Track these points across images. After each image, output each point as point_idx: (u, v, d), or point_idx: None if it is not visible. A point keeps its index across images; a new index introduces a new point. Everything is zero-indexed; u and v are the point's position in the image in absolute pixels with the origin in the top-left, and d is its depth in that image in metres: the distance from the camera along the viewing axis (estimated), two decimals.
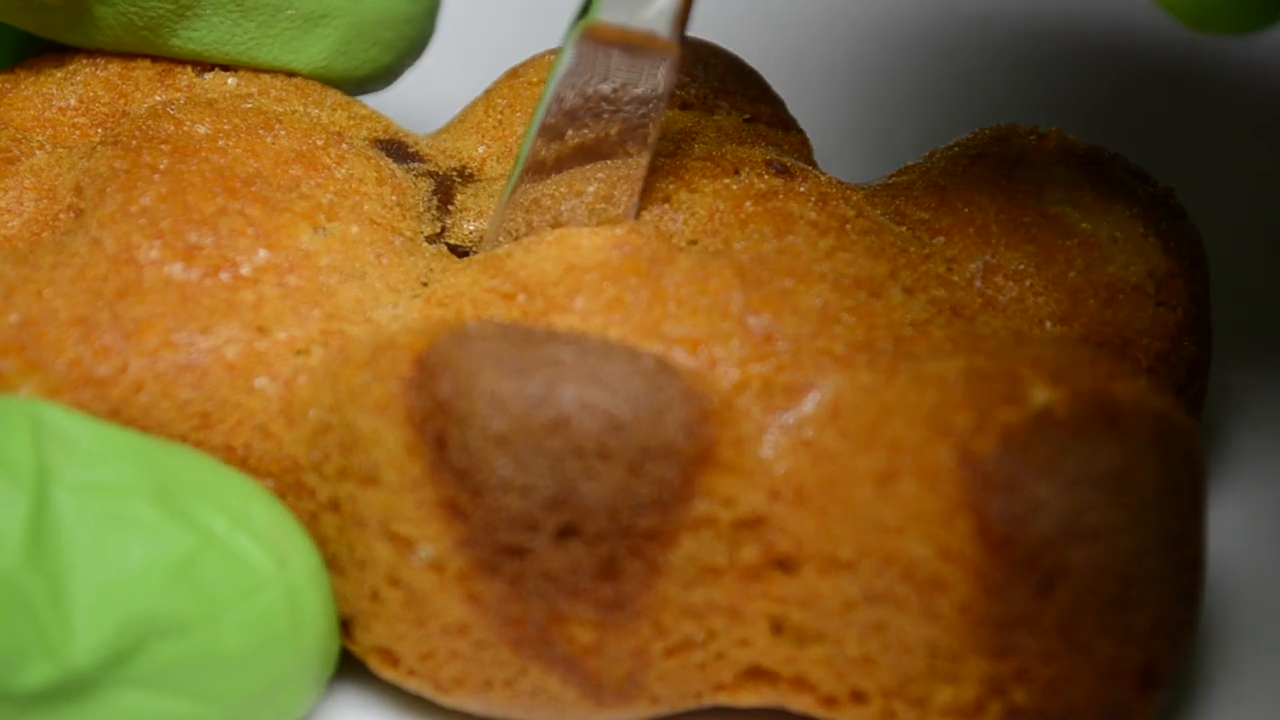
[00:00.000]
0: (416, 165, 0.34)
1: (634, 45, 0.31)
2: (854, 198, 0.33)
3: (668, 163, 0.33)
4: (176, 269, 0.31)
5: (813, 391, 0.30)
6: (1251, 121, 0.42)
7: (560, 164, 0.32)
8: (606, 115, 0.31)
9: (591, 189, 0.32)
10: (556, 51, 0.35)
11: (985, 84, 0.43)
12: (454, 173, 0.34)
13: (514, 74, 0.36)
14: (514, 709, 0.30)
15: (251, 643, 0.28)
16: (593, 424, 0.28)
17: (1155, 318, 0.32)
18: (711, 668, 0.30)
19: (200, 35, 0.34)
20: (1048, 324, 0.32)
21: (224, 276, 0.31)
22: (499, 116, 0.35)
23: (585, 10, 0.31)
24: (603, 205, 0.32)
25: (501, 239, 0.32)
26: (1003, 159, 0.34)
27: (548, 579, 0.29)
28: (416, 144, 0.35)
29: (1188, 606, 0.29)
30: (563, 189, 0.32)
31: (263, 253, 0.31)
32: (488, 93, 0.36)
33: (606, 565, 0.29)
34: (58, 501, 0.27)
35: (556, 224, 0.32)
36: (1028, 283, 0.32)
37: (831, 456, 0.29)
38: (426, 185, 0.34)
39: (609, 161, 0.32)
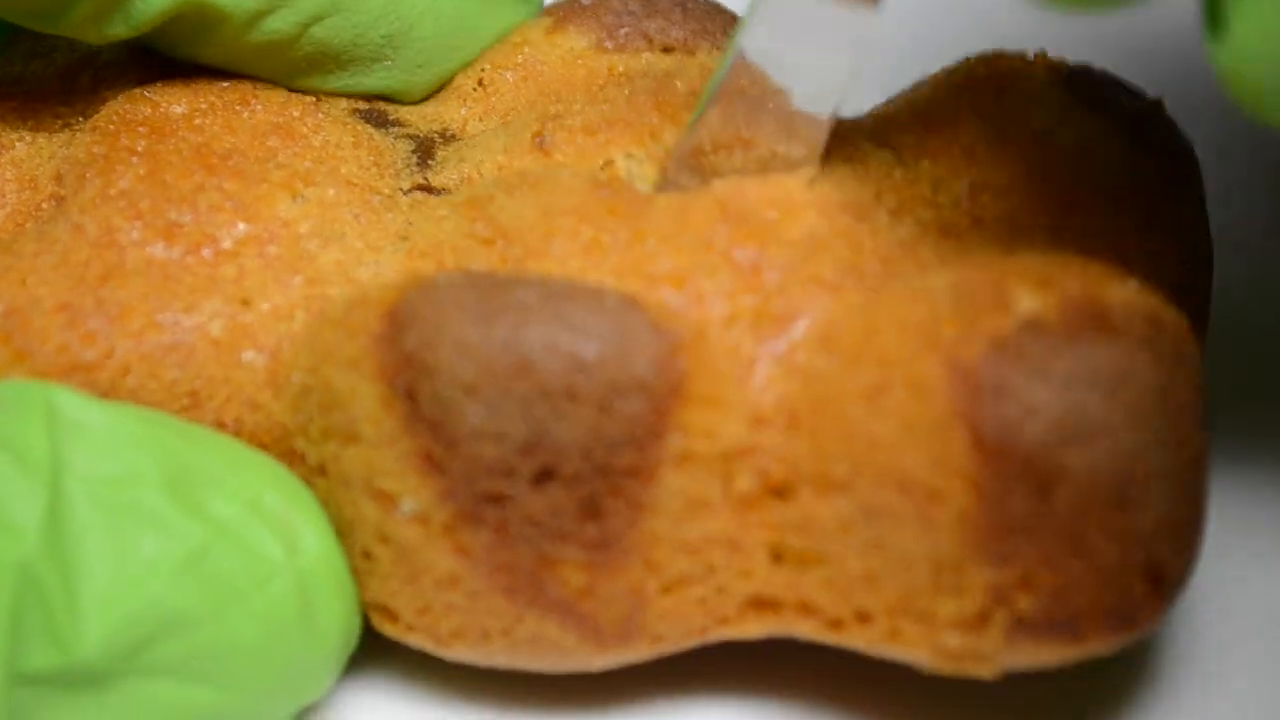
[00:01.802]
0: (396, 129, 0.32)
1: None
2: (840, 126, 0.31)
3: (651, 100, 0.31)
4: (158, 249, 0.29)
5: (801, 318, 0.28)
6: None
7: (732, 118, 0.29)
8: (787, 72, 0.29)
9: (767, 141, 0.29)
10: (553, 11, 0.34)
11: (974, 20, 0.41)
12: (435, 134, 0.32)
13: (500, 45, 0.33)
14: (515, 658, 0.28)
15: (264, 632, 0.27)
16: (558, 365, 0.26)
17: (1145, 222, 0.30)
18: (713, 602, 0.28)
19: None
20: (1038, 237, 0.31)
21: (205, 252, 0.29)
22: (479, 76, 0.33)
23: None
24: (777, 157, 0.30)
25: (681, 175, 0.30)
26: (988, 82, 0.31)
27: (531, 524, 0.27)
28: (397, 112, 0.33)
29: (1192, 506, 0.26)
30: (734, 139, 0.30)
31: (242, 225, 0.29)
32: (475, 62, 0.33)
33: (588, 505, 0.27)
34: (71, 492, 0.26)
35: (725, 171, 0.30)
36: (1015, 199, 0.30)
37: (822, 378, 0.27)
38: (406, 145, 0.32)
39: (788, 113, 0.29)
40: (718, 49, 0.33)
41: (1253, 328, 0.35)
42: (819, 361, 0.27)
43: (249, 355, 0.29)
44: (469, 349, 0.27)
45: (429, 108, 0.33)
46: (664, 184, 0.30)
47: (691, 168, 0.30)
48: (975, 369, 0.26)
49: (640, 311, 0.27)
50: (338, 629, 0.28)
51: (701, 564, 0.28)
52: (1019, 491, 0.26)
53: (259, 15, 0.31)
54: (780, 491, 0.27)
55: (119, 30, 0.31)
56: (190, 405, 0.29)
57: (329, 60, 0.32)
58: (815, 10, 0.28)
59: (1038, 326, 0.26)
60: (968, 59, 0.33)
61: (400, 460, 0.27)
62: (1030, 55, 0.32)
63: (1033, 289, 0.27)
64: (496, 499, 0.27)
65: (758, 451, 0.27)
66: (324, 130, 0.31)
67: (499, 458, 0.27)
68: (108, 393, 0.29)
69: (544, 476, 0.27)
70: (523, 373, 0.26)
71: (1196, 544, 0.27)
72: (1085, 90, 0.31)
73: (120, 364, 0.29)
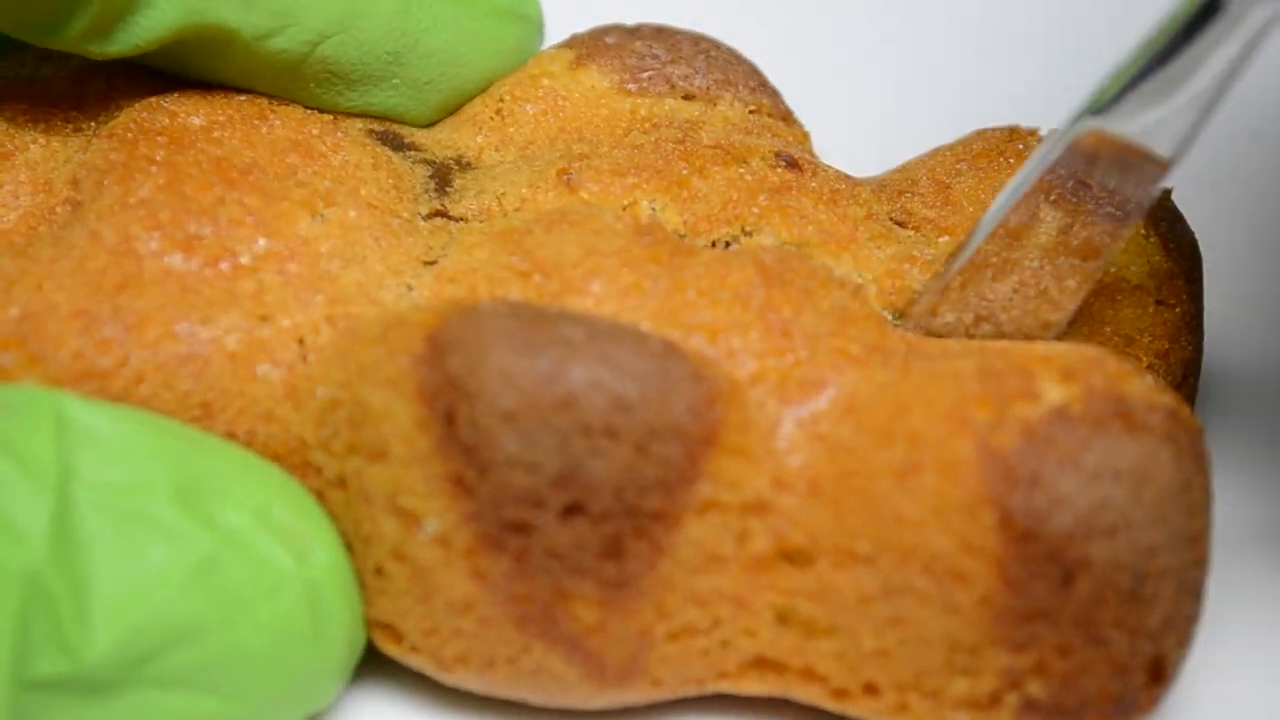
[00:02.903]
0: (413, 154, 0.32)
1: (1128, 158, 0.28)
2: (862, 195, 0.31)
3: (678, 149, 0.31)
4: (176, 260, 0.28)
5: (828, 388, 0.27)
6: (1246, 126, 0.41)
7: (1007, 259, 0.29)
8: (1098, 214, 0.28)
9: (1035, 287, 0.29)
10: (574, 46, 0.33)
11: (982, 79, 0.41)
12: (451, 161, 0.32)
13: (519, 75, 0.33)
14: (516, 688, 0.27)
15: (272, 642, 0.26)
16: (601, 402, 0.26)
17: (1156, 317, 0.30)
18: (716, 655, 0.27)
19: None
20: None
21: (224, 266, 0.28)
22: (497, 107, 0.33)
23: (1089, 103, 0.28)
24: (1044, 307, 0.29)
25: (923, 316, 0.29)
26: (1005, 158, 0.31)
27: (553, 556, 0.26)
28: (412, 135, 0.32)
29: (1195, 602, 0.26)
30: (1003, 284, 0.29)
31: (262, 241, 0.29)
32: (494, 90, 0.33)
33: (611, 544, 0.26)
34: (79, 500, 0.26)
35: (988, 318, 0.29)
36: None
37: (848, 450, 0.27)
38: (424, 171, 0.31)
39: (1060, 261, 0.29)
40: (740, 101, 0.33)
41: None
42: (845, 434, 0.27)
43: (264, 369, 0.28)
44: (512, 378, 0.26)
45: (444, 133, 0.33)
46: (920, 317, 0.29)
47: (960, 303, 0.29)
48: (1008, 455, 0.26)
49: (682, 358, 0.27)
50: (344, 639, 0.27)
51: (709, 616, 0.27)
52: (1042, 579, 0.26)
53: (266, 35, 0.30)
54: (793, 558, 0.27)
55: (122, 48, 0.30)
56: (203, 416, 0.28)
57: (337, 79, 0.31)
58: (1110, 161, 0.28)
59: (1065, 417, 0.26)
60: (983, 132, 0.33)
61: (429, 481, 0.27)
62: (1044, 132, 0.32)
63: (1058, 379, 0.27)
64: (521, 528, 0.27)
65: (776, 513, 0.27)
66: (343, 150, 0.31)
67: (529, 487, 0.26)
68: (120, 401, 0.28)
69: (572, 511, 0.26)
70: (564, 407, 0.26)
71: (1194, 635, 0.27)
72: None
73: (134, 372, 0.28)
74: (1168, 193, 0.32)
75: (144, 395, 0.28)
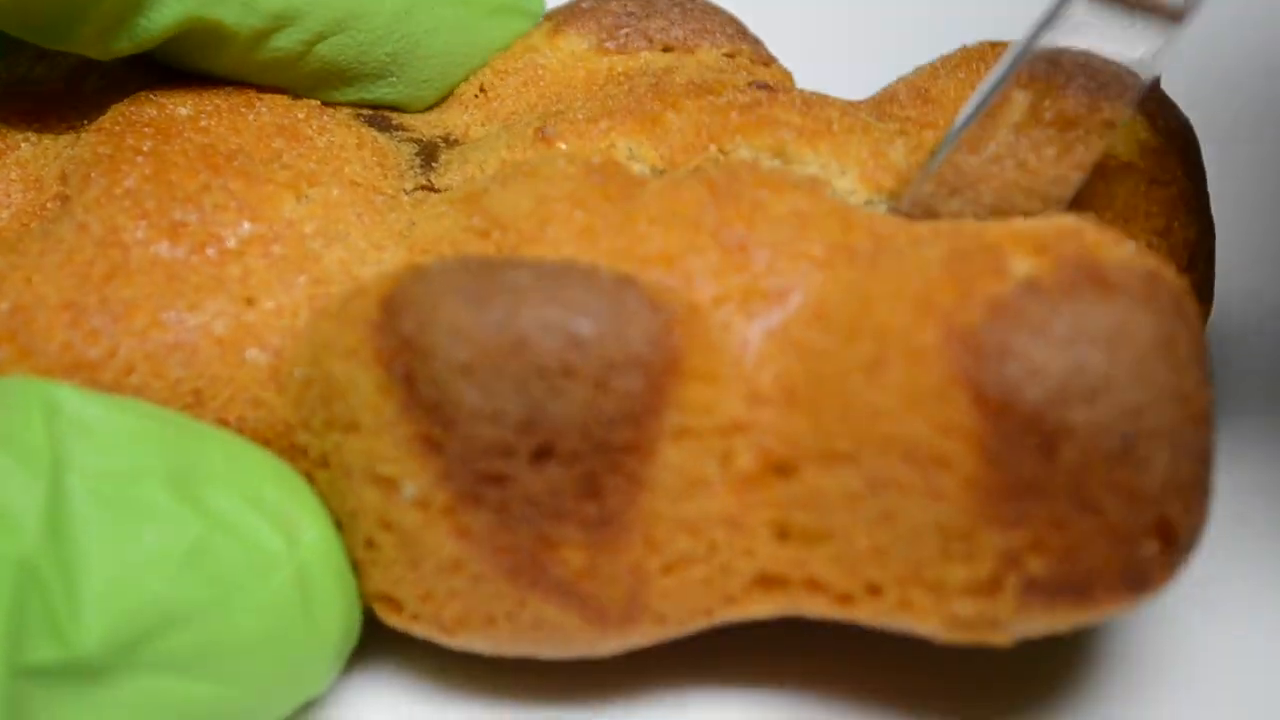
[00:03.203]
0: (400, 133, 0.32)
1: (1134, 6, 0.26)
2: (838, 103, 0.30)
3: (651, 90, 0.30)
4: (163, 248, 0.28)
5: (793, 294, 0.27)
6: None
7: (981, 137, 0.28)
8: (1070, 87, 0.27)
9: (1037, 166, 0.28)
10: (552, 16, 0.33)
11: (973, 33, 0.41)
12: (439, 139, 0.32)
13: (501, 53, 0.33)
14: (520, 644, 0.27)
15: (265, 625, 0.26)
16: (553, 343, 0.25)
17: (1150, 194, 0.29)
18: (718, 581, 0.27)
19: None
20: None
21: (210, 252, 0.28)
22: (480, 84, 0.33)
23: None
24: (1049, 186, 0.28)
25: (915, 205, 0.28)
26: (985, 63, 0.31)
27: (531, 503, 0.26)
28: (400, 118, 0.32)
29: (1199, 463, 0.25)
30: (1002, 164, 0.28)
31: (247, 225, 0.29)
32: (476, 71, 0.33)
33: (586, 483, 0.26)
34: (71, 487, 0.26)
35: (990, 203, 0.28)
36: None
37: (819, 353, 0.26)
38: (410, 149, 0.31)
39: (1035, 133, 0.28)
40: (717, 48, 0.32)
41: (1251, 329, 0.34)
42: (814, 337, 0.26)
43: (252, 353, 0.28)
44: (463, 330, 0.26)
45: (431, 115, 0.33)
46: (908, 204, 0.28)
47: (950, 187, 0.28)
48: (974, 332, 0.25)
49: (635, 289, 0.26)
50: (338, 622, 0.27)
51: (703, 543, 0.27)
52: (1024, 451, 0.25)
53: (265, 34, 0.30)
54: (781, 469, 0.26)
55: (124, 46, 0.30)
56: (194, 404, 0.28)
57: (334, 76, 0.31)
58: (1116, 24, 0.27)
59: (1034, 288, 0.25)
60: (964, 46, 0.32)
61: (399, 445, 0.26)
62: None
63: (1027, 253, 0.26)
64: (496, 479, 0.26)
65: (756, 429, 0.26)
66: (329, 132, 0.31)
67: (497, 438, 0.26)
68: (111, 391, 0.28)
69: (542, 455, 0.26)
70: (518, 352, 0.26)
71: (1206, 501, 0.26)
72: None
73: (124, 362, 0.28)
74: (1156, 81, 0.31)
75: (135, 385, 0.28)
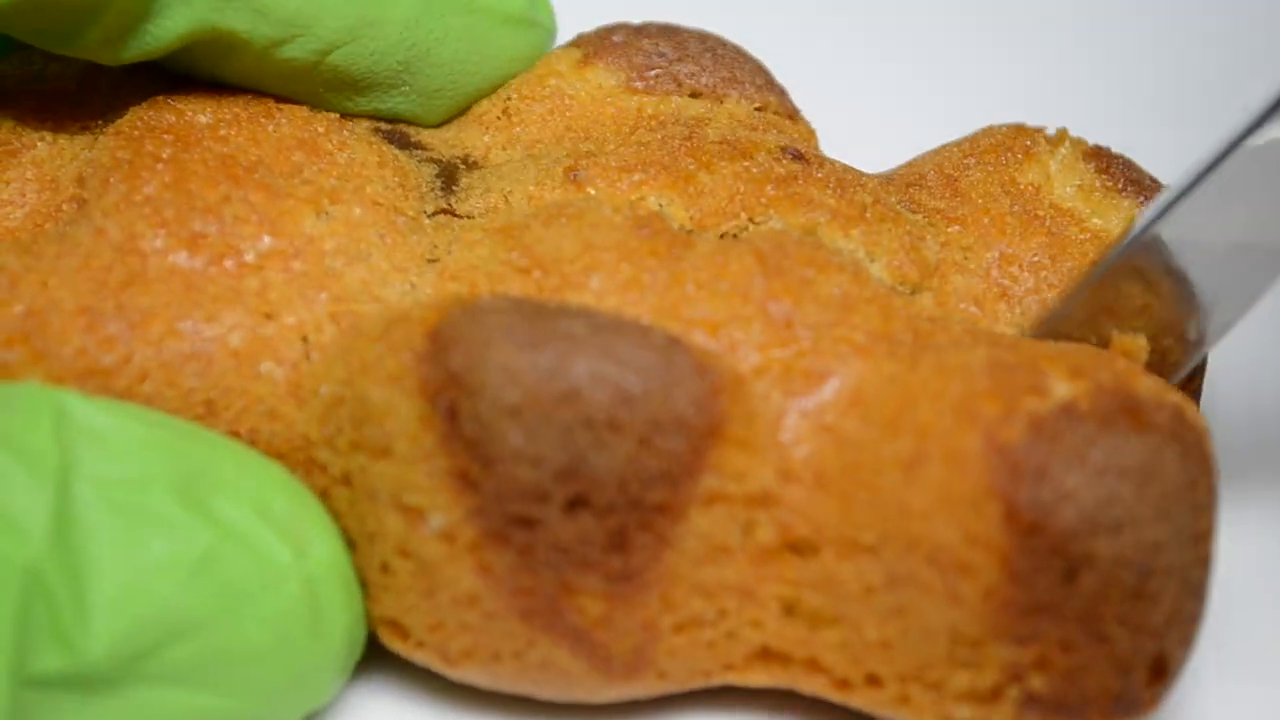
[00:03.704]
0: (419, 152, 0.32)
1: None
2: (870, 184, 0.31)
3: (684, 145, 0.31)
4: (181, 257, 0.28)
5: (833, 378, 0.27)
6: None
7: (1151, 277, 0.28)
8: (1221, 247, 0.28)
9: (1170, 313, 0.29)
10: (582, 45, 0.33)
11: (991, 78, 0.41)
12: (458, 160, 0.32)
13: (526, 75, 0.33)
14: (522, 682, 0.27)
15: (272, 636, 0.26)
16: (603, 396, 0.26)
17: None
18: (721, 646, 0.27)
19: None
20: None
21: (228, 264, 0.28)
22: (504, 106, 0.33)
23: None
24: (1168, 339, 0.29)
25: (1055, 322, 0.29)
26: (1013, 154, 0.31)
27: (558, 550, 0.26)
28: (419, 134, 0.32)
29: (1198, 601, 0.26)
30: (1141, 301, 0.29)
31: (267, 239, 0.29)
32: (502, 90, 0.33)
33: (616, 537, 0.26)
34: (80, 494, 0.25)
35: (1114, 333, 0.29)
36: (1043, 274, 0.30)
37: (854, 442, 0.27)
38: (430, 170, 0.31)
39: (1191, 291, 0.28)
40: (746, 99, 0.33)
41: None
42: (851, 425, 0.27)
43: (267, 367, 0.28)
44: (515, 374, 0.26)
45: (450, 132, 0.33)
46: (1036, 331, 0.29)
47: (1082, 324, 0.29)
48: (1015, 448, 0.26)
49: (685, 350, 0.27)
50: (344, 634, 0.27)
51: (715, 608, 0.27)
52: (1047, 572, 0.26)
53: (276, 43, 0.30)
54: (800, 548, 0.27)
55: (134, 54, 0.29)
56: (206, 414, 0.28)
57: (347, 86, 0.31)
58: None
59: (1073, 412, 0.26)
60: (990, 128, 0.33)
61: (433, 477, 0.27)
62: (1052, 130, 0.32)
63: (1065, 375, 0.27)
64: (526, 522, 0.26)
65: (782, 505, 0.27)
66: (349, 148, 0.31)
67: (534, 482, 0.26)
68: (124, 398, 0.28)
69: (577, 504, 0.26)
70: (568, 401, 0.26)
71: (1197, 635, 0.27)
72: (1104, 170, 0.31)
73: (138, 370, 0.28)
74: (1161, 185, 0.32)
75: (147, 393, 0.28)
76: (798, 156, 0.31)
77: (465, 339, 0.26)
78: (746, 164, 0.31)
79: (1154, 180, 0.32)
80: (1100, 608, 0.26)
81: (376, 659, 0.29)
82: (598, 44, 0.33)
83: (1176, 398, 0.27)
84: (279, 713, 0.27)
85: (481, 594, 0.27)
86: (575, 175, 0.30)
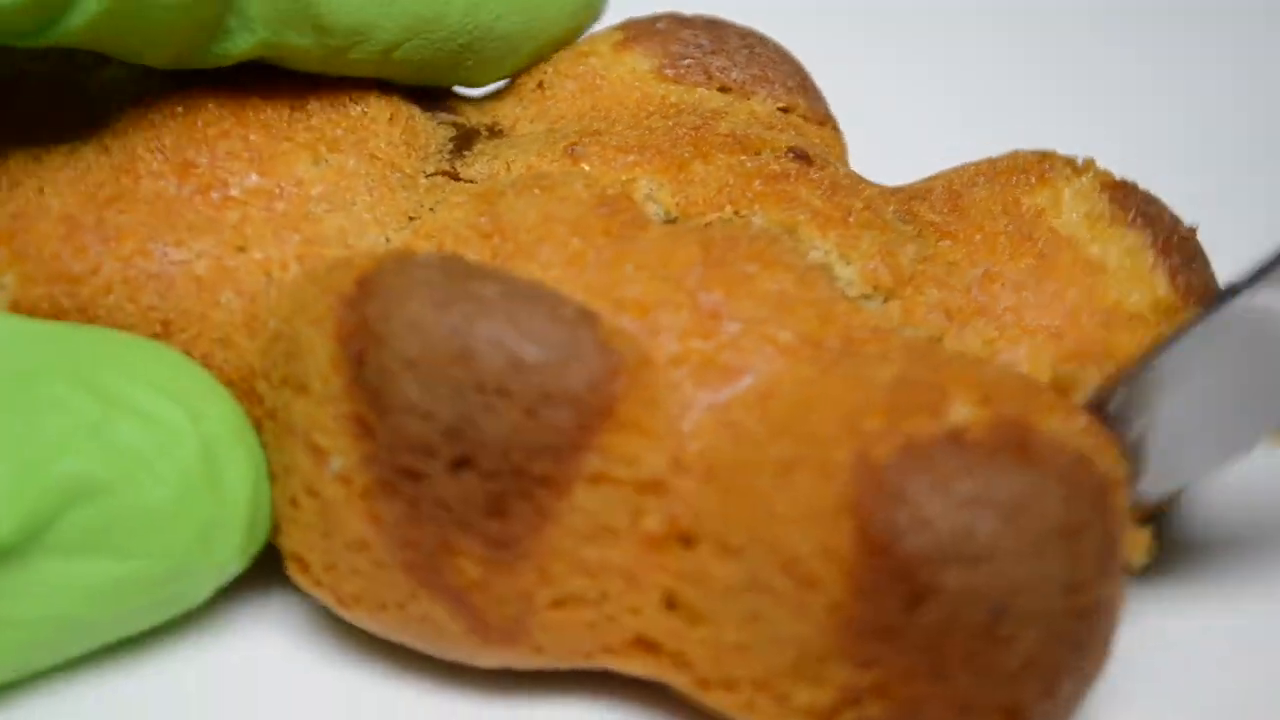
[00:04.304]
0: (444, 115, 0.32)
1: None
2: (866, 192, 0.30)
3: (689, 134, 0.31)
4: (170, 183, 0.30)
5: (747, 375, 0.27)
6: None
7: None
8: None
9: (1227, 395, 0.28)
10: (626, 28, 0.33)
11: (1042, 105, 0.40)
12: (483, 127, 0.32)
13: (569, 51, 0.33)
14: (405, 634, 0.28)
15: (171, 495, 0.27)
16: (497, 361, 0.26)
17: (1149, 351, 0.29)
18: (601, 628, 0.27)
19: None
20: (1038, 338, 0.29)
21: (214, 195, 0.30)
22: (540, 79, 0.33)
23: None
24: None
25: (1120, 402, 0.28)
26: (1026, 177, 0.30)
27: (441, 507, 0.26)
28: (454, 100, 0.33)
29: (1073, 656, 0.25)
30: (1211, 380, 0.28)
31: (254, 177, 0.30)
32: (543, 64, 0.33)
33: (496, 502, 0.26)
34: None
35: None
36: (1025, 294, 0.29)
37: (748, 440, 0.26)
38: (446, 132, 0.32)
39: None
40: (774, 98, 0.33)
41: None
42: (751, 424, 0.27)
43: (228, 297, 0.29)
44: (419, 328, 0.27)
45: (489, 101, 0.33)
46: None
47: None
48: (882, 466, 0.25)
49: (592, 327, 0.27)
50: (247, 493, 0.28)
51: (596, 588, 0.27)
52: (890, 596, 0.25)
53: (339, 50, 0.31)
54: (686, 540, 0.27)
55: (203, 65, 0.30)
56: (163, 333, 0.29)
57: (409, 74, 0.32)
58: None
59: (958, 439, 0.25)
60: (1017, 151, 0.32)
61: (337, 419, 0.27)
62: (1080, 160, 0.31)
63: (971, 400, 0.26)
64: (414, 475, 0.27)
65: (672, 494, 0.27)
66: (364, 101, 0.31)
67: (423, 436, 0.27)
68: (86, 306, 0.29)
69: (462, 464, 0.27)
70: (462, 361, 0.27)
71: (1071, 694, 0.25)
72: (1119, 202, 0.30)
73: (104, 282, 0.29)
74: (1192, 233, 0.31)
75: (109, 305, 0.29)
76: (800, 157, 0.31)
77: (385, 289, 0.27)
78: (744, 158, 0.31)
79: (1174, 219, 0.31)
80: (944, 641, 0.25)
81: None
82: (640, 29, 0.34)
83: (1089, 444, 0.26)
84: (186, 576, 0.28)
85: (371, 541, 0.28)
86: (573, 150, 0.31)
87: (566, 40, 0.34)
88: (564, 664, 0.28)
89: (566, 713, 0.29)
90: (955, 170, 0.32)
